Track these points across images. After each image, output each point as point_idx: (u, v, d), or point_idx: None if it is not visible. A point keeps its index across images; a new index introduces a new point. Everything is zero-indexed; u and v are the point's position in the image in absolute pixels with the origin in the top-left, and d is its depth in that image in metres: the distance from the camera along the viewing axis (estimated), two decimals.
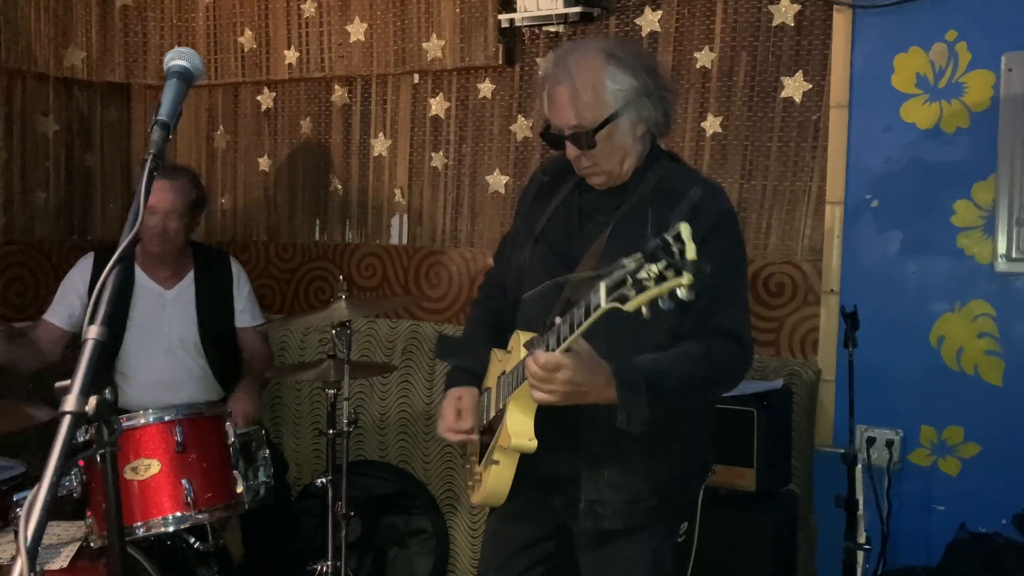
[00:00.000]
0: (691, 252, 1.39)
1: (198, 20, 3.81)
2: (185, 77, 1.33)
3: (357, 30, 3.53)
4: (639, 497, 1.89)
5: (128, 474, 2.20)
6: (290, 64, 3.66)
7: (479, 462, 1.97)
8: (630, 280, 1.44)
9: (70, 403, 0.93)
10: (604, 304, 1.49)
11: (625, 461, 1.88)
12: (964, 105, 2.66)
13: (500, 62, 3.28)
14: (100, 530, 2.21)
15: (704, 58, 3.00)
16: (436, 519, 3.37)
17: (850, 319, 2.42)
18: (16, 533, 2.06)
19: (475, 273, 3.37)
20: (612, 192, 1.94)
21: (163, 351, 3.09)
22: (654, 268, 1.41)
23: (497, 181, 3.39)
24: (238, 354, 3.27)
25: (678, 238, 1.40)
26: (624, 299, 1.45)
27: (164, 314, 3.12)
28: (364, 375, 3.28)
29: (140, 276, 3.12)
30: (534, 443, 1.78)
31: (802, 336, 2.92)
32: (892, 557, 2.75)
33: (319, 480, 2.75)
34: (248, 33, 3.74)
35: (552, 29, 3.21)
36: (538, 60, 3.26)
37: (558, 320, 1.67)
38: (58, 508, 2.22)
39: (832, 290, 2.85)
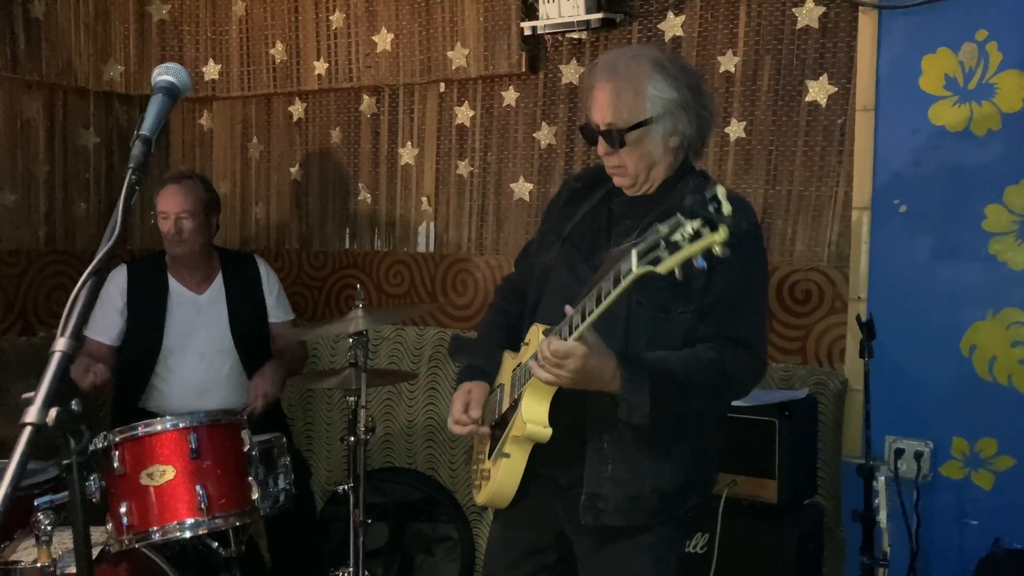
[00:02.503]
0: (727, 208, 1.40)
1: (231, 33, 3.89)
2: (171, 93, 1.35)
3: (384, 40, 3.56)
4: (640, 495, 1.89)
5: (144, 480, 2.25)
6: (320, 75, 3.71)
7: (488, 457, 1.97)
8: (663, 244, 1.45)
9: (31, 415, 0.95)
10: (636, 269, 1.50)
11: (630, 459, 1.88)
12: (995, 107, 2.57)
13: (524, 70, 3.28)
14: (118, 535, 2.26)
15: (727, 62, 2.96)
16: (462, 526, 3.37)
17: (866, 328, 2.36)
18: (38, 538, 2.13)
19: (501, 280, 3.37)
20: (642, 200, 1.97)
21: (199, 355, 3.17)
22: (689, 227, 1.42)
23: (522, 188, 3.38)
24: (270, 355, 3.33)
25: (714, 198, 1.41)
26: (657, 260, 1.46)
27: (199, 319, 3.19)
28: (385, 383, 3.30)
29: (173, 284, 3.21)
30: (549, 430, 1.80)
31: (829, 344, 2.86)
32: (922, 573, 2.66)
33: (340, 487, 2.77)
34: (279, 45, 3.80)
35: (575, 36, 3.20)
36: (561, 67, 3.26)
37: (568, 309, 1.71)
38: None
39: (860, 297, 2.77)
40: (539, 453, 1.87)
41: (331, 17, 3.67)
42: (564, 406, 1.82)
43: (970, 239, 2.62)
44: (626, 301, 1.77)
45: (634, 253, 1.51)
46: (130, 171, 1.23)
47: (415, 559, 3.43)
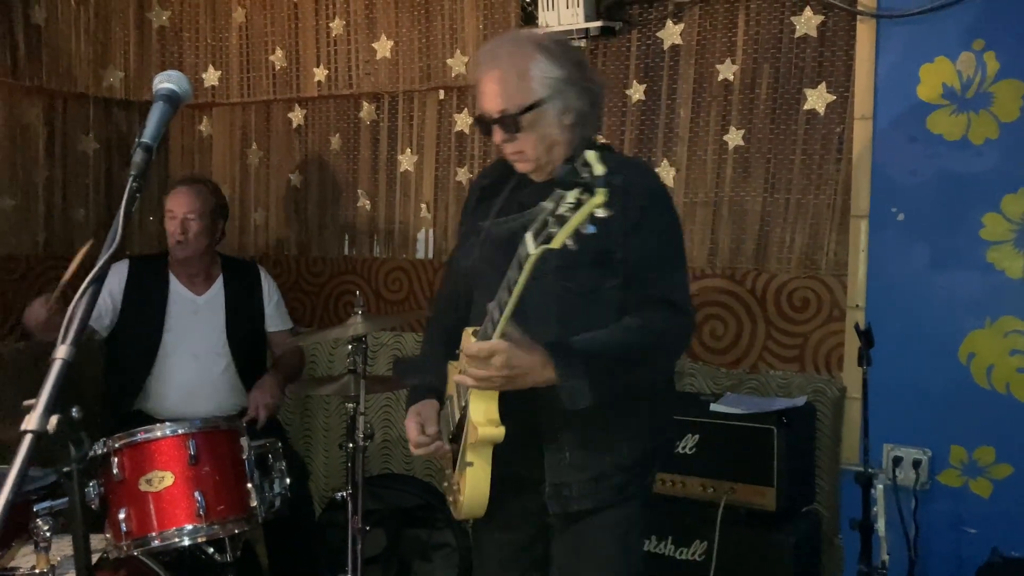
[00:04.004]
0: (599, 170, 1.41)
1: (231, 40, 3.90)
2: (172, 100, 1.36)
3: (384, 47, 3.57)
4: (604, 475, 1.91)
5: (143, 486, 2.24)
6: (319, 81, 3.72)
7: (453, 469, 1.97)
8: (550, 219, 1.47)
9: (31, 422, 0.96)
10: (533, 250, 1.52)
11: (586, 441, 1.90)
12: (992, 115, 2.58)
13: None
14: (117, 541, 2.25)
15: (726, 70, 2.97)
16: (459, 533, 3.36)
17: (864, 336, 2.36)
18: (36, 544, 2.12)
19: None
20: (545, 185, 1.91)
21: (193, 355, 3.17)
22: (569, 197, 1.43)
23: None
24: (265, 361, 3.33)
25: (585, 163, 1.42)
26: (549, 238, 1.48)
27: (195, 319, 3.21)
28: (384, 389, 3.30)
29: (173, 283, 3.23)
30: (501, 428, 1.80)
31: (827, 352, 2.86)
32: None
33: (338, 493, 2.77)
34: (279, 52, 3.81)
35: (574, 44, 3.20)
36: None
37: (490, 305, 1.72)
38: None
39: (858, 305, 2.78)
40: (500, 454, 1.86)
41: (331, 24, 3.68)
42: (513, 402, 1.82)
43: (968, 247, 2.63)
44: (554, 289, 1.83)
45: (528, 236, 1.53)
46: (131, 178, 1.24)
47: (412, 565, 3.42)
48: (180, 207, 3.13)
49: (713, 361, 3.04)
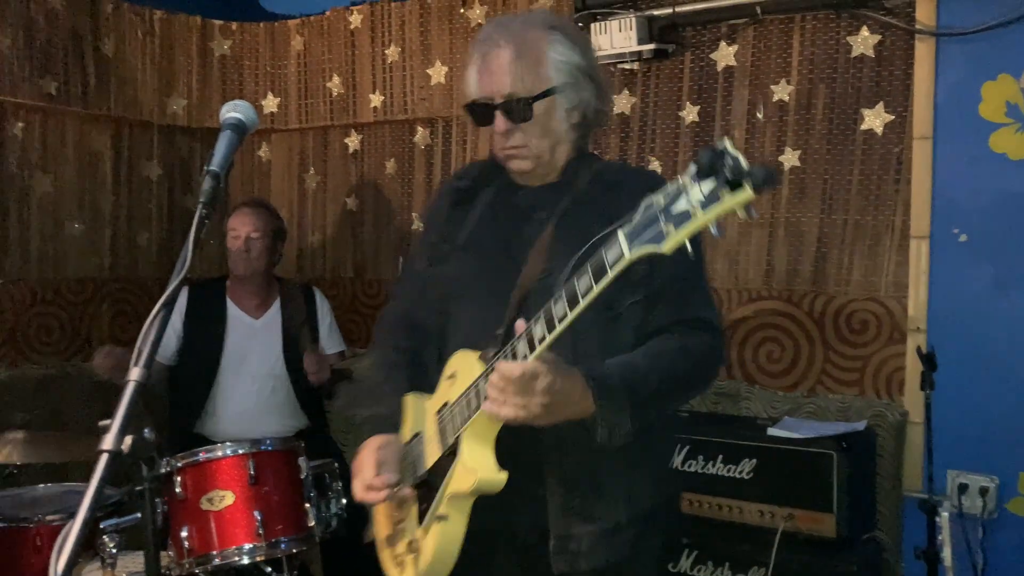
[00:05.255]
0: (745, 163, 1.16)
1: (290, 67, 3.99)
2: (239, 129, 1.40)
3: (438, 73, 3.62)
4: (619, 526, 1.64)
5: (204, 505, 2.29)
6: (375, 107, 3.79)
7: (418, 524, 1.64)
8: (661, 217, 1.23)
9: (108, 442, 0.99)
10: (629, 253, 1.27)
11: (599, 487, 1.62)
12: None
13: None
14: (179, 559, 2.30)
15: (781, 91, 2.95)
16: None
17: (927, 360, 2.31)
18: (103, 560, 2.18)
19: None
20: (548, 188, 1.74)
21: (251, 378, 3.24)
22: (698, 191, 1.19)
23: None
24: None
25: (726, 153, 1.17)
26: (660, 238, 1.23)
27: (253, 343, 3.27)
28: None
29: (231, 307, 3.30)
30: (504, 475, 1.51)
31: (887, 376, 2.80)
32: None
33: None
34: (336, 79, 3.89)
35: (627, 67, 3.22)
36: (613, 98, 3.27)
37: (521, 324, 1.45)
38: (142, 539, 2.31)
39: (919, 328, 2.72)
40: (488, 505, 1.55)
41: (387, 51, 3.75)
42: (509, 440, 1.54)
43: None
44: None
45: (621, 234, 1.29)
46: (200, 205, 1.27)
47: None
48: (244, 226, 3.23)
49: (770, 384, 3.00)
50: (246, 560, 2.32)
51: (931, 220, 2.71)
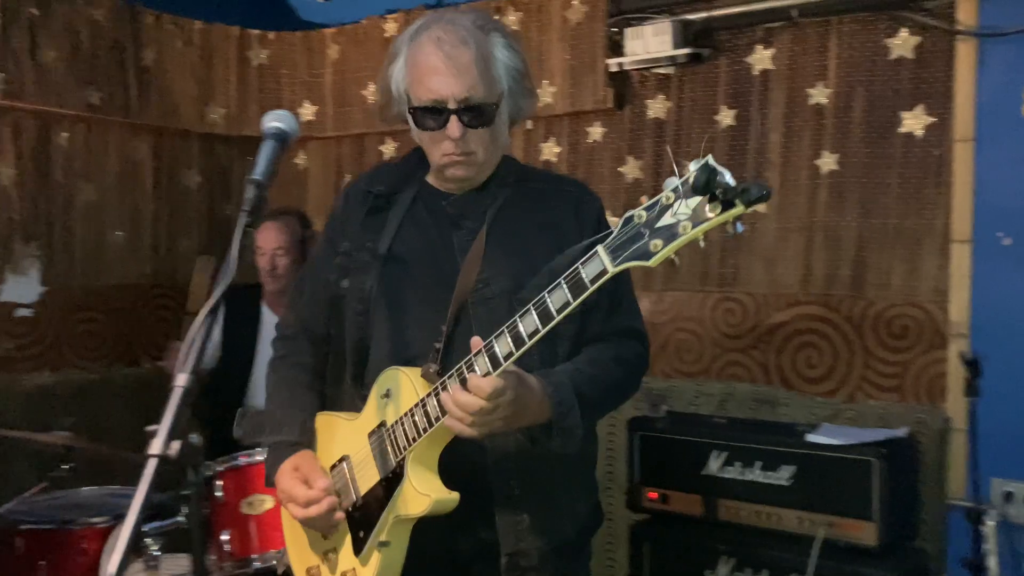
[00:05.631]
0: (730, 178, 1.19)
1: (326, 76, 4.03)
2: (281, 138, 1.42)
3: None
4: (565, 540, 1.63)
5: (245, 508, 2.32)
6: None
7: (354, 553, 1.58)
8: (647, 233, 1.24)
9: (155, 447, 1.01)
10: (613, 268, 1.28)
11: (545, 499, 1.60)
12: None
13: (610, 106, 3.31)
14: (220, 561, 2.33)
15: (818, 94, 2.93)
16: None
17: (971, 366, 2.28)
18: (147, 562, 2.21)
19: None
20: (474, 195, 1.68)
21: None
22: (684, 206, 1.21)
23: (609, 223, 3.39)
24: None
25: (712, 168, 1.19)
26: (647, 254, 1.24)
27: None
28: None
29: (266, 313, 3.34)
30: (456, 494, 1.48)
31: (929, 382, 2.76)
32: None
33: None
34: (372, 86, 3.92)
35: (662, 71, 3.22)
36: (647, 102, 3.27)
37: (477, 341, 1.41)
38: (182, 541, 2.35)
39: (961, 333, 2.68)
40: (429, 527, 1.51)
41: None
42: (448, 458, 1.51)
43: None
44: (504, 316, 1.45)
45: (602, 249, 1.28)
46: (243, 214, 1.29)
47: None
48: (268, 243, 3.24)
49: (808, 390, 2.97)
50: (287, 563, 2.34)
51: (973, 223, 2.67)
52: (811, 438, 2.62)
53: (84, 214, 3.64)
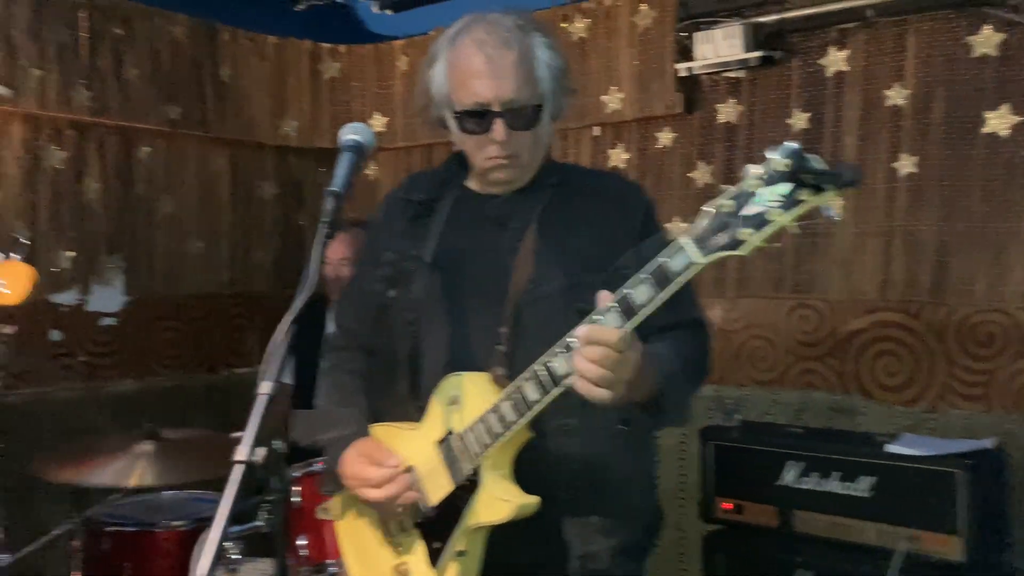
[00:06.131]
0: (820, 162, 1.15)
1: (395, 87, 4.09)
2: (357, 150, 1.45)
3: None
4: (633, 539, 1.61)
5: (320, 514, 2.34)
6: None
7: (429, 565, 1.54)
8: (734, 222, 1.20)
9: (242, 453, 1.04)
10: (704, 259, 1.23)
11: (610, 498, 1.57)
12: None
13: (680, 111, 3.28)
14: (297, 566, 2.37)
15: (896, 95, 2.86)
16: None
17: None
18: (226, 566, 2.27)
19: None
20: (518, 196, 1.66)
21: None
22: (773, 193, 1.17)
23: (678, 229, 3.37)
24: None
25: (802, 154, 1.16)
26: (736, 243, 1.20)
27: None
28: None
29: (330, 323, 3.38)
30: (536, 498, 1.45)
31: (1017, 391, 2.66)
32: None
33: None
34: None
35: (732, 75, 3.18)
36: (717, 106, 3.24)
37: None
38: (260, 545, 2.40)
39: None
40: (495, 535, 1.49)
41: None
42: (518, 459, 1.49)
43: None
44: (560, 310, 1.47)
45: (688, 240, 1.24)
46: (323, 224, 1.32)
47: None
48: (334, 253, 3.27)
49: (887, 399, 2.89)
50: None
51: None
52: (891, 448, 2.55)
53: (164, 226, 3.76)
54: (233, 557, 2.22)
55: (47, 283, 3.41)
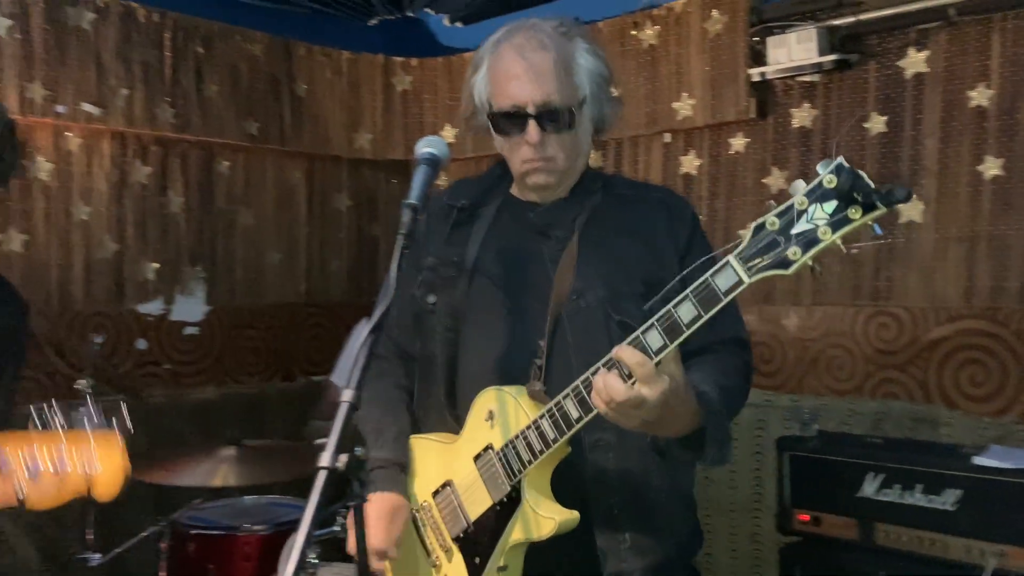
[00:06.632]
0: (868, 180, 1.15)
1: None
2: (433, 163, 1.47)
3: None
4: (666, 559, 1.58)
5: None
6: None
7: None
8: (782, 240, 1.19)
9: (325, 459, 1.06)
10: (749, 279, 1.22)
11: (644, 518, 1.56)
12: None
13: (752, 116, 3.24)
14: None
15: (979, 96, 2.77)
16: None
17: None
18: (304, 571, 2.32)
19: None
20: (561, 205, 1.65)
21: None
22: (822, 211, 1.17)
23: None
24: None
25: (846, 170, 1.16)
26: (785, 262, 1.19)
27: None
28: None
29: None
30: (577, 513, 1.46)
31: None
32: None
33: None
34: None
35: (807, 79, 3.13)
36: (792, 111, 3.19)
37: (618, 351, 1.31)
38: (338, 551, 2.45)
39: None
40: (530, 551, 1.51)
41: None
42: (558, 473, 1.50)
43: None
44: (602, 323, 1.48)
45: (734, 260, 1.23)
46: (400, 236, 1.34)
47: None
48: None
49: (974, 410, 2.79)
50: None
51: None
52: (979, 460, 2.46)
53: (244, 237, 3.87)
54: (312, 562, 2.27)
55: (134, 293, 3.54)
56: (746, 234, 1.25)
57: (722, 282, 1.26)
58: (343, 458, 1.09)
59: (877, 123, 2.98)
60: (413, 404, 1.73)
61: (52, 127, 3.31)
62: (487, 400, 1.53)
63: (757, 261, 1.22)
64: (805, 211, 1.19)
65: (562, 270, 1.55)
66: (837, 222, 1.17)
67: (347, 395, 1.14)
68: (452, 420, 1.61)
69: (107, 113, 3.39)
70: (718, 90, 3.31)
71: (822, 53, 2.96)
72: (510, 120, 1.58)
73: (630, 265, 1.52)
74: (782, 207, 1.22)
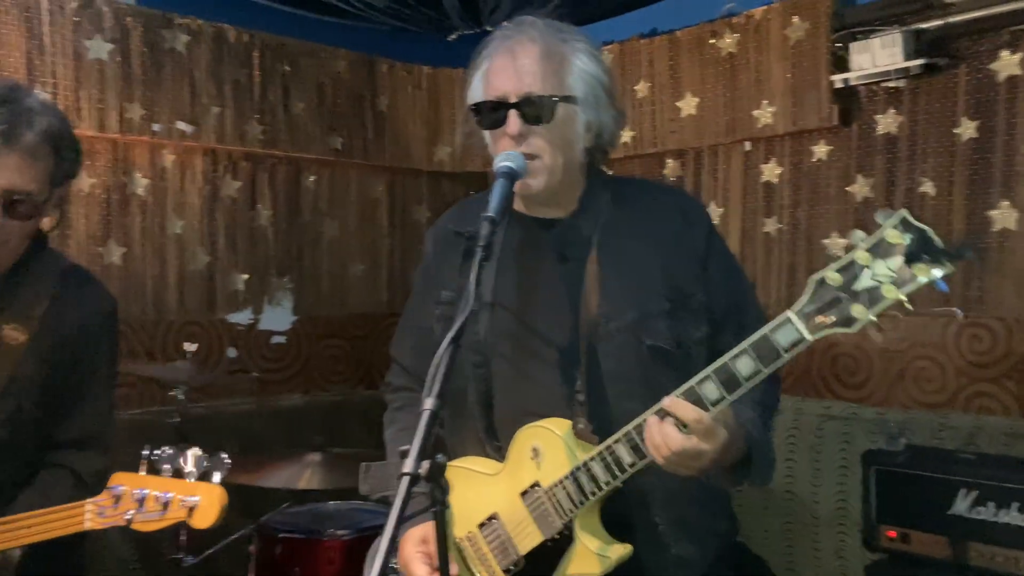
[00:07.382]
0: (935, 236, 1.16)
1: None
2: (511, 176, 1.50)
3: (688, 105, 3.63)
4: (707, 571, 1.59)
5: None
6: (625, 143, 3.86)
7: None
8: (845, 297, 1.21)
9: (407, 465, 1.10)
10: (811, 337, 1.25)
11: (685, 526, 1.57)
12: None
13: (835, 123, 3.18)
14: None
15: None
16: None
17: None
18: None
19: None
20: (572, 222, 1.62)
21: None
22: (886, 267, 1.18)
23: (836, 244, 3.25)
24: None
25: (909, 224, 1.16)
26: (849, 320, 1.22)
27: None
28: None
29: None
30: (629, 547, 1.48)
31: None
32: None
33: None
34: None
35: (892, 85, 3.05)
36: (876, 117, 3.12)
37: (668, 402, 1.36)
38: None
39: None
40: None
41: (635, 88, 3.82)
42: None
43: None
44: (633, 348, 1.49)
45: (794, 315, 1.26)
46: (479, 248, 1.37)
47: None
48: None
49: None
50: None
51: None
52: None
53: (329, 249, 3.99)
54: (394, 567, 2.32)
55: (225, 304, 3.68)
56: (807, 288, 1.26)
57: (783, 338, 1.28)
58: (425, 465, 1.12)
59: (968, 128, 2.89)
60: (446, 437, 1.72)
61: (149, 145, 3.47)
62: (531, 436, 1.53)
63: (820, 319, 1.24)
64: (867, 267, 1.20)
65: (587, 294, 1.54)
66: (903, 280, 1.18)
67: (428, 403, 1.17)
68: (493, 452, 1.62)
69: (199, 131, 3.54)
70: (799, 97, 3.26)
71: (908, 57, 2.89)
72: (493, 112, 1.56)
73: (653, 279, 1.51)
74: (843, 261, 1.22)
